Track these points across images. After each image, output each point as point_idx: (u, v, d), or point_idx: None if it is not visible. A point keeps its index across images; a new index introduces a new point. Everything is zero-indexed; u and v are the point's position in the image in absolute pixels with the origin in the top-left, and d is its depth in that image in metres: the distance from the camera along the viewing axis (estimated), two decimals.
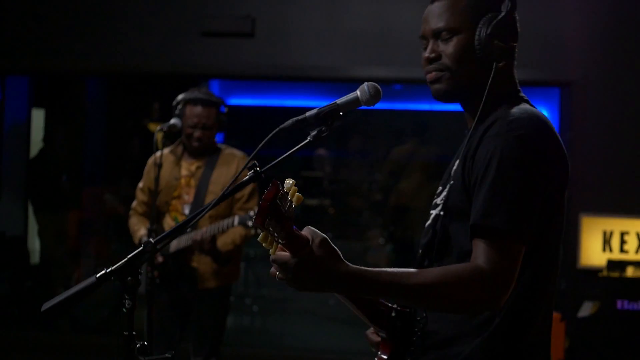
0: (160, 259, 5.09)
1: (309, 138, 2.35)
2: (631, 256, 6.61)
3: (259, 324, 8.92)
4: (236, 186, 2.38)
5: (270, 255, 2.05)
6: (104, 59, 7.75)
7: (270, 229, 1.93)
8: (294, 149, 2.35)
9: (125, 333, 2.31)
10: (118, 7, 7.62)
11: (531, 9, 7.09)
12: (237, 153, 5.43)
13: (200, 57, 7.48)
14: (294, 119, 2.36)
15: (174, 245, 5.10)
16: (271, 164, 2.36)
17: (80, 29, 7.69)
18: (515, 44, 2.45)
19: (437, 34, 2.45)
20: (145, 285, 4.84)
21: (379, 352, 2.48)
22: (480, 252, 2.14)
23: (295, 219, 1.99)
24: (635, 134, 6.84)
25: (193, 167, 5.35)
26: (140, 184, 5.48)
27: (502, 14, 2.40)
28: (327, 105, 2.34)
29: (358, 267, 2.09)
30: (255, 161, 2.35)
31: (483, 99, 2.35)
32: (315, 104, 8.41)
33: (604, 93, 6.91)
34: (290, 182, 2.01)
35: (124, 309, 2.30)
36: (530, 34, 7.09)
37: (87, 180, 10.01)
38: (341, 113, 2.35)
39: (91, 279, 2.27)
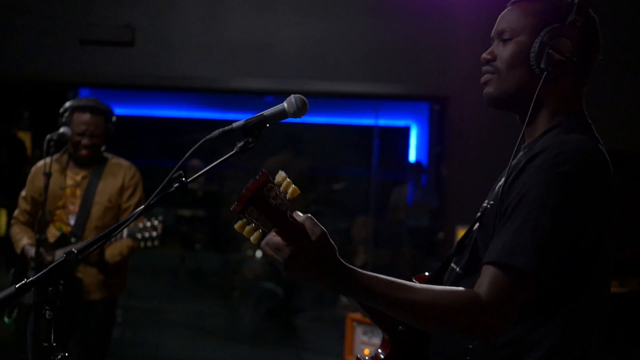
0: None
1: (235, 149, 2.32)
2: None
3: (129, 336, 8.80)
4: (160, 197, 2.36)
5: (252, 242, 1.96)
6: None
7: (253, 219, 1.90)
8: (220, 159, 2.34)
9: (45, 344, 2.29)
10: None
11: (409, 24, 7.26)
12: (124, 163, 5.37)
13: (78, 65, 7.35)
14: (221, 129, 2.34)
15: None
16: (197, 174, 2.36)
17: None
18: (579, 60, 2.31)
19: (499, 35, 2.39)
20: (33, 296, 4.72)
21: (378, 349, 2.45)
22: (486, 281, 2.08)
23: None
24: (509, 148, 7.02)
25: (79, 177, 5.26)
26: (23, 193, 5.35)
27: (564, 24, 2.30)
28: (254, 117, 2.32)
29: (353, 268, 2.02)
30: (181, 171, 2.34)
31: (529, 110, 2.30)
32: (192, 114, 8.39)
33: (479, 107, 7.07)
34: (283, 174, 1.96)
35: (44, 320, 2.28)
36: (408, 49, 7.28)
37: None
38: (268, 125, 2.34)
39: (10, 289, 2.24)
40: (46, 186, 4.87)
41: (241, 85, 7.38)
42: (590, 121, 2.36)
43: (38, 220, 5.10)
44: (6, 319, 5.07)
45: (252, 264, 9.20)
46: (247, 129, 2.33)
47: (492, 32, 2.42)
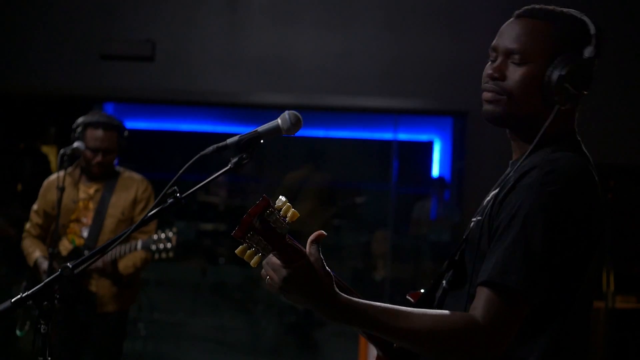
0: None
1: (229, 165, 2.33)
2: None
3: (151, 349, 8.82)
4: (157, 211, 2.38)
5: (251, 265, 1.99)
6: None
7: (254, 244, 1.92)
8: (214, 175, 2.34)
9: (40, 359, 2.29)
10: (14, 26, 7.50)
11: (429, 39, 7.25)
12: (136, 176, 5.40)
13: (99, 80, 7.41)
14: (215, 145, 2.35)
15: None
16: (191, 190, 2.38)
17: None
18: (586, 92, 2.25)
19: (508, 54, 2.31)
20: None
21: None
22: (481, 304, 2.07)
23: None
24: None
25: (91, 191, 5.29)
26: (35, 206, 5.39)
27: (582, 58, 2.24)
28: (248, 133, 2.32)
29: (347, 297, 2.04)
30: (176, 187, 2.36)
31: (536, 139, 2.24)
32: (213, 129, 8.44)
33: None
34: (283, 199, 1.98)
35: (39, 334, 2.28)
36: (428, 63, 7.28)
37: None
38: (262, 141, 2.33)
39: (6, 303, 2.26)
40: (59, 200, 4.90)
41: (261, 99, 7.40)
42: (579, 138, 2.33)
43: (51, 234, 5.14)
44: (18, 332, 5.08)
45: None
46: (241, 145, 2.33)
47: (496, 42, 2.37)
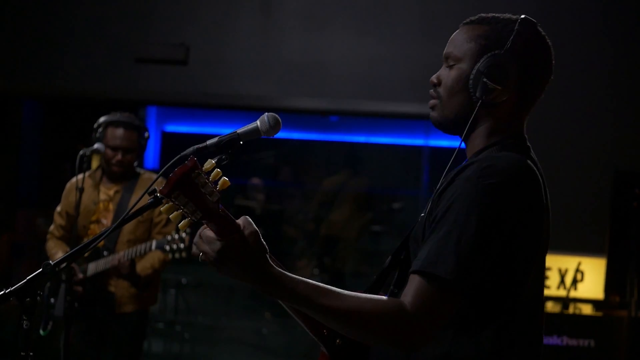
0: (80, 288, 5.04)
1: None
2: (552, 292, 6.68)
3: (188, 351, 8.87)
4: (136, 211, 2.41)
5: (178, 228, 1.97)
6: (39, 82, 7.72)
7: (181, 205, 1.87)
8: None
9: (22, 354, 2.32)
10: (54, 30, 7.60)
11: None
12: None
13: (134, 83, 7.48)
14: (195, 147, 2.36)
15: (92, 269, 5.07)
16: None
17: (16, 51, 7.67)
18: (517, 86, 2.29)
19: (446, 59, 2.38)
20: (64, 309, 4.78)
21: None
22: (411, 291, 2.08)
23: None
24: (555, 166, 6.81)
25: (111, 192, 5.32)
26: (59, 208, 5.44)
27: (500, 53, 2.28)
28: (227, 134, 2.33)
29: (281, 271, 2.05)
30: (156, 187, 2.38)
31: (463, 134, 2.31)
32: None
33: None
34: (212, 162, 1.96)
35: (21, 330, 2.31)
36: None
37: (20, 204, 9.91)
38: (241, 142, 2.35)
39: None
40: (78, 202, 4.93)
41: (293, 104, 7.41)
42: (529, 145, 2.34)
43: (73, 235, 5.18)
44: (41, 332, 5.10)
45: None
46: (220, 146, 2.34)
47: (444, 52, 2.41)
